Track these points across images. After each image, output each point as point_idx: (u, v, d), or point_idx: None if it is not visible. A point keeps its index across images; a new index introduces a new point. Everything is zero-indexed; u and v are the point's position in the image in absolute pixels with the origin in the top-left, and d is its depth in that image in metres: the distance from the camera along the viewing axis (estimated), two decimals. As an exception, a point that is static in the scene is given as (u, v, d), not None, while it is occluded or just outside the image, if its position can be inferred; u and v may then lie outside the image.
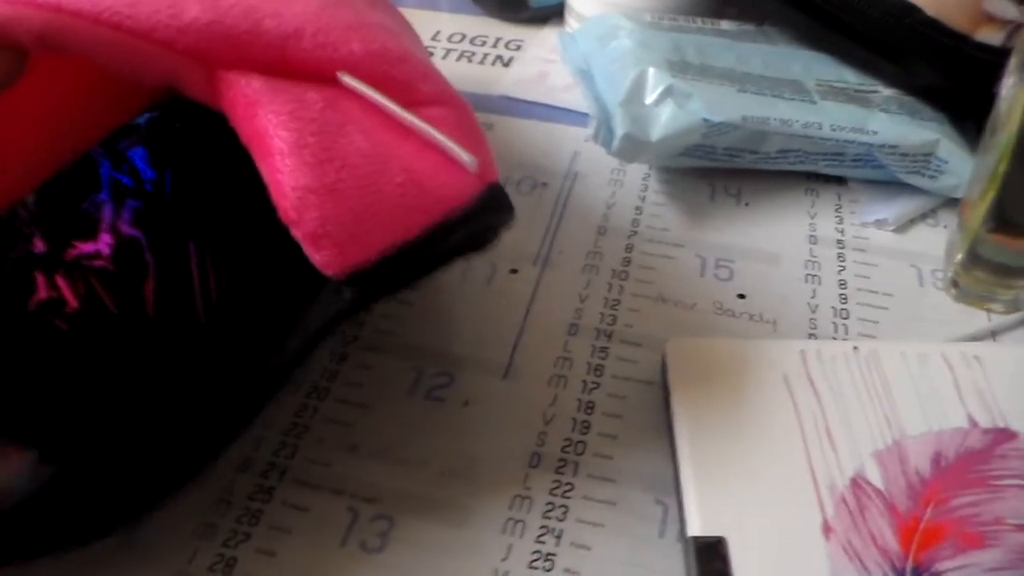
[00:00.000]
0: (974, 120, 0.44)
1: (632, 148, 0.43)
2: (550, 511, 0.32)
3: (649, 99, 0.44)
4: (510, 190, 0.46)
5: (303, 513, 0.32)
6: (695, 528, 0.30)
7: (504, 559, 0.31)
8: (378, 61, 0.28)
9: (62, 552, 0.28)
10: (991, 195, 0.37)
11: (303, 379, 0.37)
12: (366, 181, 0.26)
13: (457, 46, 0.59)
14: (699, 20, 0.51)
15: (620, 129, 0.42)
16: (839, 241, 0.43)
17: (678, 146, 0.43)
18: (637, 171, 0.48)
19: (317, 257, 0.26)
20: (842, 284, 0.41)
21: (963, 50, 0.45)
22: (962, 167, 0.43)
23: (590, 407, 0.36)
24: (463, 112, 0.30)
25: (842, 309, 0.40)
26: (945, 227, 0.45)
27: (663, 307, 0.40)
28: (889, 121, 0.44)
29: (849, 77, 0.48)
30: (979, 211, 0.38)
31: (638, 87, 0.44)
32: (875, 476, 0.31)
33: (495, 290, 0.41)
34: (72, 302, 0.33)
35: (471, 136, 0.29)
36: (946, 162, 0.44)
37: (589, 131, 0.43)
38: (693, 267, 0.42)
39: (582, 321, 0.39)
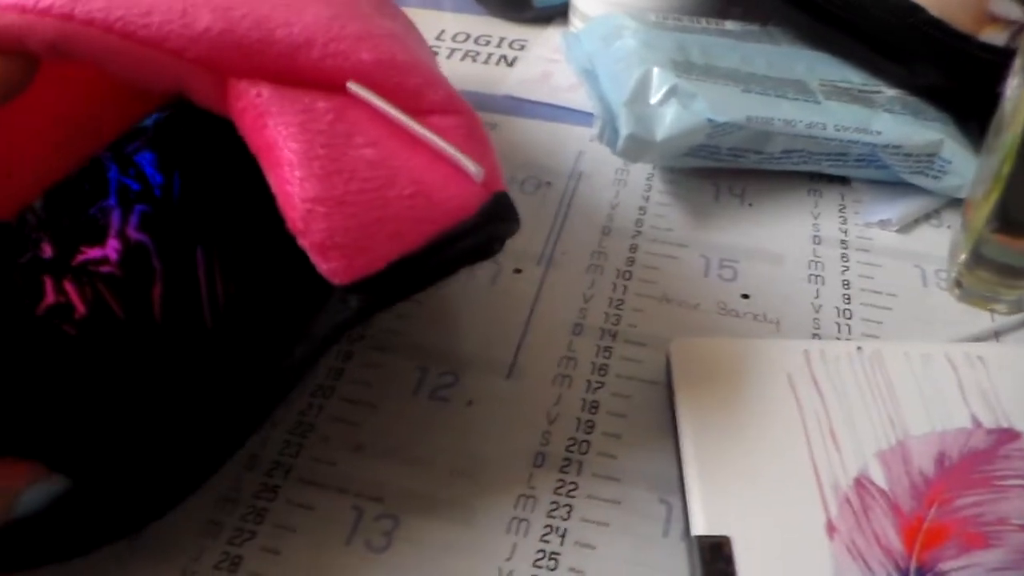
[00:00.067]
0: (978, 120, 0.44)
1: (636, 148, 0.43)
2: (554, 510, 0.32)
3: (654, 99, 0.44)
4: (514, 189, 0.46)
5: (308, 512, 0.32)
6: (699, 527, 0.30)
7: (509, 558, 0.31)
8: (388, 70, 0.29)
9: (70, 559, 0.28)
10: (995, 195, 0.37)
11: (309, 378, 0.37)
12: (374, 193, 0.26)
13: (461, 46, 0.59)
14: (703, 20, 0.52)
15: (624, 129, 0.42)
16: (843, 241, 0.43)
17: (682, 146, 0.43)
18: (641, 171, 0.48)
19: (324, 267, 0.26)
20: (846, 284, 0.41)
21: (967, 50, 0.45)
22: (966, 167, 0.43)
23: (594, 407, 0.36)
24: (470, 120, 0.30)
25: (846, 309, 0.40)
26: (949, 227, 0.45)
27: (667, 307, 0.40)
28: (893, 121, 0.44)
29: (853, 77, 0.48)
30: (983, 211, 0.38)
31: (642, 87, 0.44)
32: (879, 476, 0.31)
33: (499, 290, 0.41)
34: (80, 307, 0.33)
35: (477, 145, 0.29)
36: (950, 162, 0.44)
37: (594, 131, 0.44)
38: (697, 267, 0.42)
39: (586, 321, 0.39)
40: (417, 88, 0.29)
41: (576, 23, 0.57)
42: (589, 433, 0.35)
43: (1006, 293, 0.39)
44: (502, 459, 0.34)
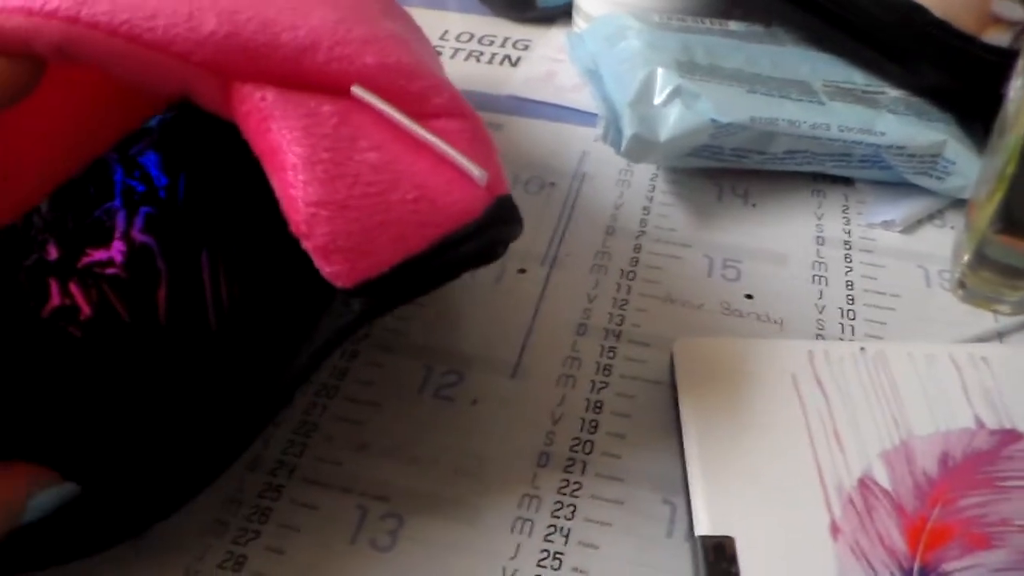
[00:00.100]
0: (982, 121, 0.45)
1: (641, 148, 0.43)
2: (558, 510, 0.32)
3: (658, 99, 0.44)
4: (518, 190, 0.46)
5: (312, 511, 0.32)
6: (703, 527, 0.30)
7: (513, 557, 0.31)
8: (392, 74, 0.29)
9: (74, 561, 0.28)
10: (998, 196, 0.37)
11: (313, 377, 0.37)
12: (378, 197, 0.26)
13: (465, 46, 0.59)
14: (707, 21, 0.52)
15: (629, 129, 0.42)
16: (846, 242, 0.44)
17: (686, 147, 0.43)
18: (645, 171, 0.48)
19: (328, 270, 0.26)
20: (849, 285, 0.41)
21: (970, 51, 0.45)
22: (969, 168, 0.43)
23: (598, 406, 0.36)
24: (474, 124, 0.30)
25: (849, 310, 0.40)
26: (952, 228, 0.45)
27: (671, 307, 0.40)
28: (896, 122, 0.44)
29: (857, 78, 0.48)
30: (986, 212, 0.38)
31: (647, 87, 0.44)
32: (883, 476, 0.31)
33: (504, 290, 0.41)
34: (85, 309, 0.33)
35: (481, 148, 0.29)
36: (953, 163, 0.44)
37: (598, 131, 0.44)
38: (701, 267, 0.42)
39: (590, 321, 0.39)
40: (421, 92, 0.29)
41: (580, 23, 0.57)
42: (593, 433, 0.35)
43: (1009, 294, 0.39)
44: (506, 458, 0.34)
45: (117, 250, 0.35)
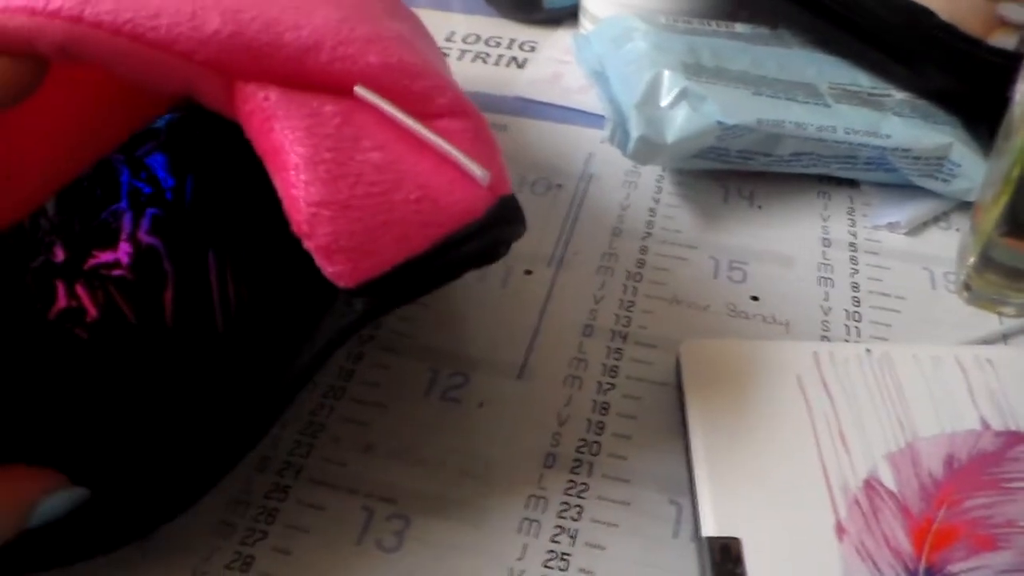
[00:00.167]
0: (987, 124, 0.44)
1: (647, 150, 0.43)
2: (565, 511, 0.32)
3: (664, 102, 0.44)
4: (524, 191, 0.47)
5: (319, 512, 0.32)
6: (709, 528, 0.30)
7: (519, 559, 0.31)
8: (395, 74, 0.29)
9: (79, 562, 0.28)
10: (1004, 199, 0.37)
11: (319, 379, 0.37)
12: (380, 197, 0.26)
13: (471, 47, 0.59)
14: (713, 23, 0.52)
15: (635, 131, 0.42)
16: (852, 244, 0.44)
17: (692, 148, 0.43)
18: (651, 173, 0.48)
19: (330, 269, 0.26)
20: (855, 287, 0.41)
21: (976, 54, 0.45)
22: (975, 171, 0.43)
23: (605, 408, 0.36)
24: (477, 123, 0.30)
25: (855, 311, 0.40)
26: (957, 230, 0.45)
27: (677, 308, 0.40)
28: (902, 124, 0.44)
29: (862, 80, 0.48)
30: (992, 215, 0.38)
31: (653, 89, 0.44)
32: (888, 478, 0.31)
33: (510, 291, 0.41)
34: (92, 311, 0.33)
35: (484, 148, 0.29)
36: (959, 165, 0.44)
37: (605, 133, 0.44)
38: (707, 269, 0.42)
39: (597, 322, 0.39)
40: (425, 92, 0.29)
41: (586, 25, 0.57)
42: (599, 434, 0.35)
43: (1014, 296, 0.39)
44: (513, 460, 0.34)
45: (124, 252, 0.35)
